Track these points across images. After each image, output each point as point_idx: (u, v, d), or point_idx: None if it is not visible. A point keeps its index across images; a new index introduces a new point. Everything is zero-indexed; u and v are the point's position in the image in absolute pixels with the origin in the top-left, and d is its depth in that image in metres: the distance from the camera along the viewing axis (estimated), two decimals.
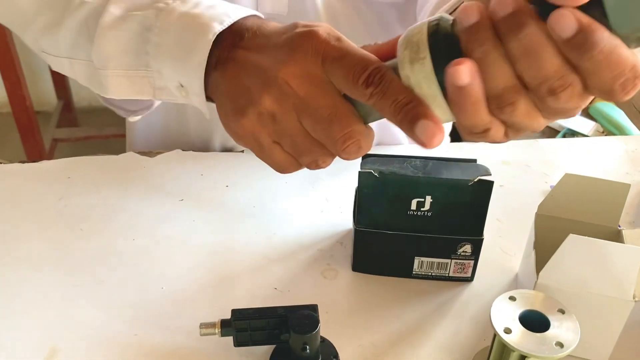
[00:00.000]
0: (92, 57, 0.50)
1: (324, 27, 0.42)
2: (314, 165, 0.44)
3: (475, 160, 0.58)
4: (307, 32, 0.41)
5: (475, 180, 0.55)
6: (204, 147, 0.80)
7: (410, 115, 0.38)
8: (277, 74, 0.41)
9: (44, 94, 2.31)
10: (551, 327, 0.45)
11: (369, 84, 0.39)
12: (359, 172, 0.55)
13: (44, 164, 0.74)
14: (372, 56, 0.40)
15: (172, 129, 0.80)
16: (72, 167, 0.73)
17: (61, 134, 2.14)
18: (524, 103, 0.35)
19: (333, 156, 0.44)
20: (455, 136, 0.95)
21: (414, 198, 0.56)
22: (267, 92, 0.41)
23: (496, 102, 0.35)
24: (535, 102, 0.35)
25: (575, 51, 0.32)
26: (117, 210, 0.68)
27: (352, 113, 0.41)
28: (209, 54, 0.45)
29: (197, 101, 0.48)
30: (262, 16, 0.48)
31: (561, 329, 0.45)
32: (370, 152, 0.58)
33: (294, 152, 0.44)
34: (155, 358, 0.53)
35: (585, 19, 0.31)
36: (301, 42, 0.41)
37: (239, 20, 0.45)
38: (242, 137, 0.44)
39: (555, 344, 0.44)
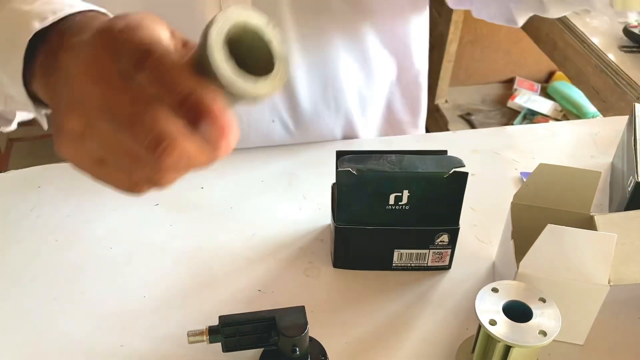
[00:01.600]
0: None
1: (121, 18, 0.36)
2: (151, 183, 0.37)
3: (446, 152, 0.59)
4: (101, 26, 0.36)
5: (450, 172, 0.56)
6: None
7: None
8: (74, 81, 0.35)
9: None
10: (534, 316, 0.46)
11: (139, 68, 0.33)
12: (337, 170, 0.56)
13: (12, 174, 0.72)
14: (159, 41, 0.34)
15: None
16: (42, 175, 0.72)
17: (17, 134, 2.08)
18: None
19: (167, 170, 0.35)
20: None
21: (391, 193, 0.57)
22: (70, 108, 0.35)
23: None
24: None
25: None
26: (91, 218, 0.67)
27: (161, 108, 0.33)
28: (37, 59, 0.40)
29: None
30: (103, 11, 0.43)
31: (543, 318, 0.46)
32: (346, 149, 0.59)
33: (122, 170, 0.37)
34: None
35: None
36: (93, 38, 0.35)
37: (61, 22, 0.40)
38: (71, 163, 0.38)
39: (539, 333, 0.45)
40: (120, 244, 0.64)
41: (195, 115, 0.32)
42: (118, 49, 0.34)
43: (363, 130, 0.83)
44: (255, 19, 0.35)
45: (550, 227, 0.49)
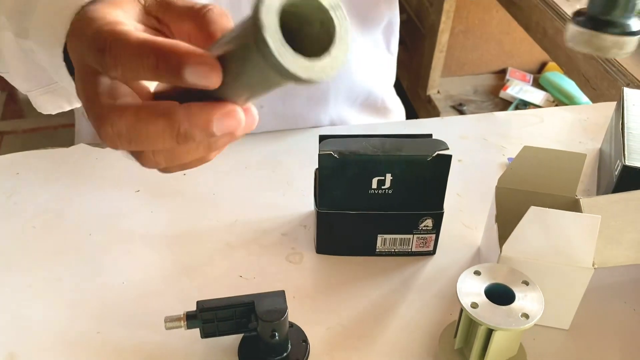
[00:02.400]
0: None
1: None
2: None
3: (431, 135, 0.58)
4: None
5: (434, 155, 0.55)
6: None
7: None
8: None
9: None
10: (516, 299, 0.46)
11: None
12: (319, 154, 0.55)
13: None
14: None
15: None
16: (21, 162, 0.70)
17: (7, 127, 2.07)
18: None
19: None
20: (410, 114, 0.95)
21: (374, 177, 0.56)
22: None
23: None
24: None
25: None
26: (71, 205, 0.65)
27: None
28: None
29: None
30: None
31: (526, 300, 0.46)
32: (327, 133, 0.58)
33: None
34: (120, 355, 0.51)
35: None
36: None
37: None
38: None
39: (521, 316, 0.44)
40: (100, 230, 0.63)
41: (175, 68, 0.31)
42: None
43: (352, 116, 0.82)
44: None
45: (533, 210, 0.48)
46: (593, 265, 0.49)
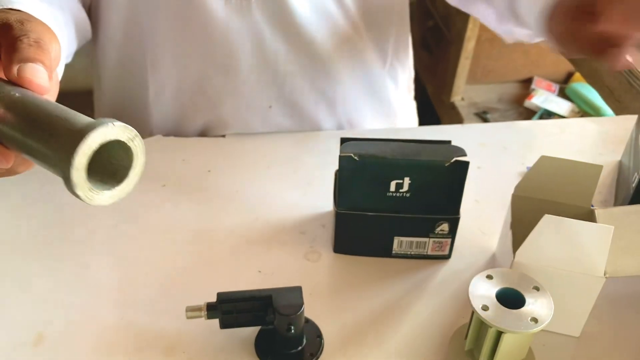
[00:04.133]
0: None
1: None
2: None
3: (450, 142, 0.60)
4: None
5: (452, 161, 0.56)
6: (175, 132, 0.80)
7: None
8: None
9: None
10: (526, 303, 0.47)
11: None
12: (339, 155, 0.56)
13: None
14: None
15: (133, 115, 0.80)
16: None
17: None
18: None
19: None
20: (433, 120, 0.96)
21: (392, 180, 0.57)
22: None
23: None
24: None
25: None
26: None
27: None
28: None
29: None
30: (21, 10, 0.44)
31: (536, 305, 0.47)
32: (349, 136, 0.59)
33: None
34: (142, 341, 0.54)
35: None
36: None
37: None
38: None
39: (530, 320, 0.45)
40: (126, 222, 0.65)
41: None
42: None
43: (361, 120, 0.84)
44: (125, 135, 0.35)
45: (547, 218, 0.49)
46: (605, 275, 0.50)
